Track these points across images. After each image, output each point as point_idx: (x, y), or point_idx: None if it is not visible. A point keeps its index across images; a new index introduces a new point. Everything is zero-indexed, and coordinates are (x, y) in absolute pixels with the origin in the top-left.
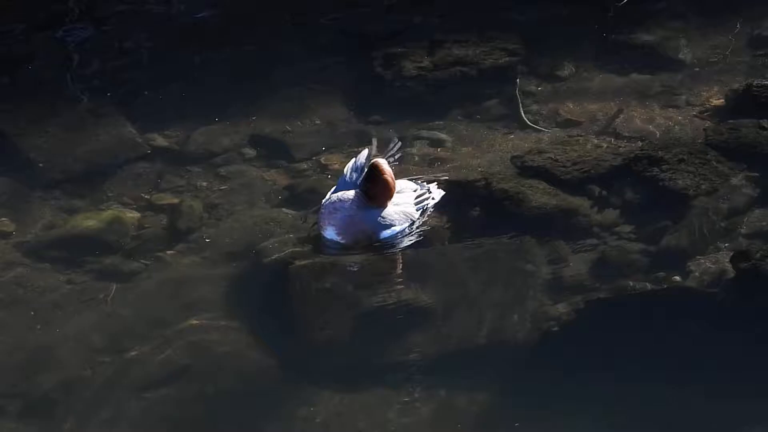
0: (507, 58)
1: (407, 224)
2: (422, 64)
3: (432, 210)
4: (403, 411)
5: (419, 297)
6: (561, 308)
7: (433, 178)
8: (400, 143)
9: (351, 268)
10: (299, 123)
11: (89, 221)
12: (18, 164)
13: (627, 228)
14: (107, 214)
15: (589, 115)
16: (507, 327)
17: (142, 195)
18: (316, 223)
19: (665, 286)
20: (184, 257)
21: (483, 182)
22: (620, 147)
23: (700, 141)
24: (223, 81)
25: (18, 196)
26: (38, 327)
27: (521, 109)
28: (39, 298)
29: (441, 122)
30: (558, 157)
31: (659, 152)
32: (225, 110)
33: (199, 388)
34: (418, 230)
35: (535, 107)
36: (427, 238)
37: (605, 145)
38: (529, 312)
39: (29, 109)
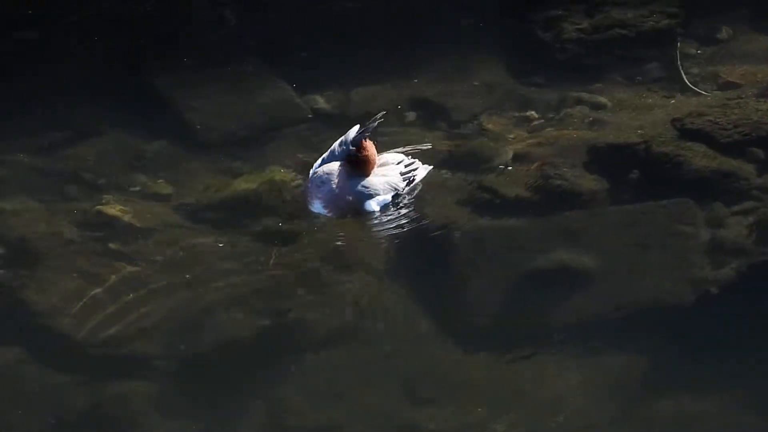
0: (666, 21)
1: (391, 194)
2: (581, 27)
3: (419, 183)
4: (558, 375)
5: (577, 260)
6: (721, 272)
7: (417, 150)
8: (384, 114)
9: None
10: (459, 85)
11: (249, 184)
12: (176, 126)
13: None
14: (267, 177)
15: (749, 78)
16: (666, 290)
17: (302, 157)
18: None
19: None
20: (343, 220)
21: (642, 145)
22: None
23: None
24: (382, 42)
25: (176, 159)
26: (197, 289)
27: (681, 71)
28: (198, 260)
29: (600, 85)
30: (718, 120)
31: None
32: (384, 72)
33: (358, 351)
34: (405, 201)
35: (694, 70)
36: (580, 201)
37: (766, 108)
38: (689, 275)
39: (187, 72)
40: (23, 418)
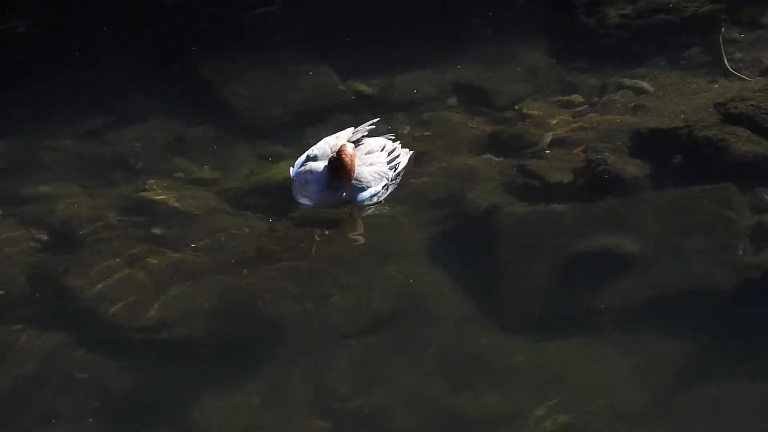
0: (709, 6)
1: (382, 183)
2: (625, 12)
3: (402, 169)
4: (601, 359)
5: (621, 244)
6: (764, 256)
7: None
8: (378, 120)
9: None
10: (501, 70)
11: (292, 169)
12: (219, 112)
13: None
14: None
15: None
16: (709, 275)
17: None
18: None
19: None
20: (386, 204)
21: (685, 130)
22: None
23: None
24: (426, 28)
25: (220, 144)
26: (240, 273)
27: (724, 56)
28: (241, 245)
29: (643, 70)
30: (761, 105)
31: None
32: (427, 57)
33: (400, 336)
34: (392, 188)
35: (738, 55)
36: (623, 186)
37: None
38: (732, 260)
39: (231, 57)
40: (68, 401)
